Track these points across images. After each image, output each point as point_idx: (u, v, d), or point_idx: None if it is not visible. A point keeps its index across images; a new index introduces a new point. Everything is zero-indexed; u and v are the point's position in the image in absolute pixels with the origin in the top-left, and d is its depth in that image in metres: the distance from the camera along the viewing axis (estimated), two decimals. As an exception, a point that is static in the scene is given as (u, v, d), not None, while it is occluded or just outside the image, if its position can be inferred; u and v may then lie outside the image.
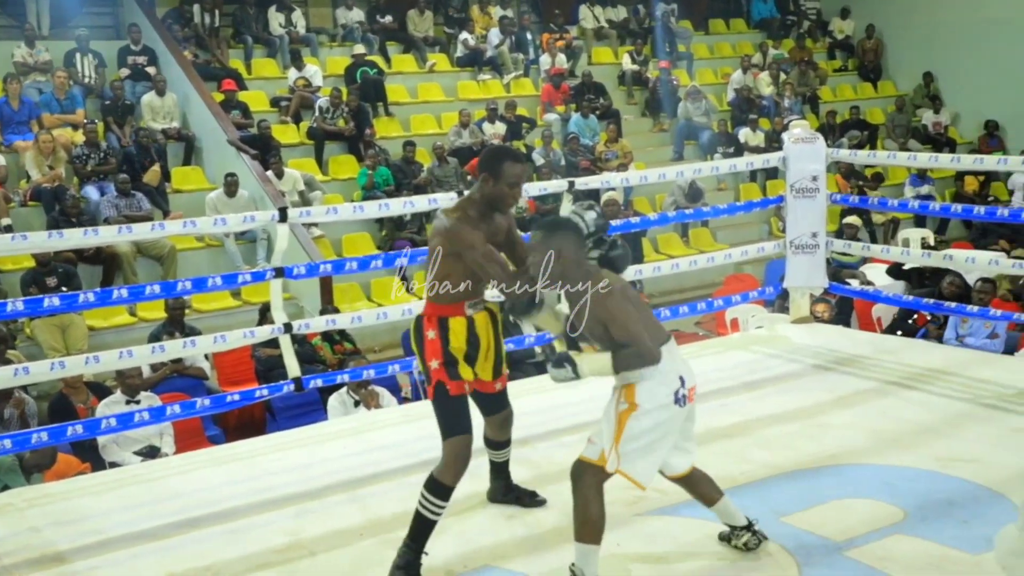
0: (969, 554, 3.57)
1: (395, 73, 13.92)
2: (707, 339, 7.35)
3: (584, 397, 5.75)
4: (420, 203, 5.78)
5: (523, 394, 5.94)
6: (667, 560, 3.64)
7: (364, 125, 12.33)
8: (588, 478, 3.36)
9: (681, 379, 3.35)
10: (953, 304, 6.89)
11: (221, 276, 5.22)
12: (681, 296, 10.60)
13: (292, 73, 13.07)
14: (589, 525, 3.33)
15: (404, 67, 14.24)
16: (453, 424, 3.59)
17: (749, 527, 3.63)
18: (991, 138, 15.60)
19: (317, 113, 12.36)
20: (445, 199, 5.68)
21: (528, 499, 4.14)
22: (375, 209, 5.90)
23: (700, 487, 3.61)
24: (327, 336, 8.17)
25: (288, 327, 5.09)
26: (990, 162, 8.27)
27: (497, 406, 3.92)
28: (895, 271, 9.39)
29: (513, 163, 3.57)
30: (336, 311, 8.10)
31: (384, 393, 6.79)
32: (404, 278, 10.94)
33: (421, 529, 3.55)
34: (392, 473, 4.70)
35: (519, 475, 4.54)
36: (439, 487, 3.54)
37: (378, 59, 13.76)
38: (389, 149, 12.27)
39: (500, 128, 13.10)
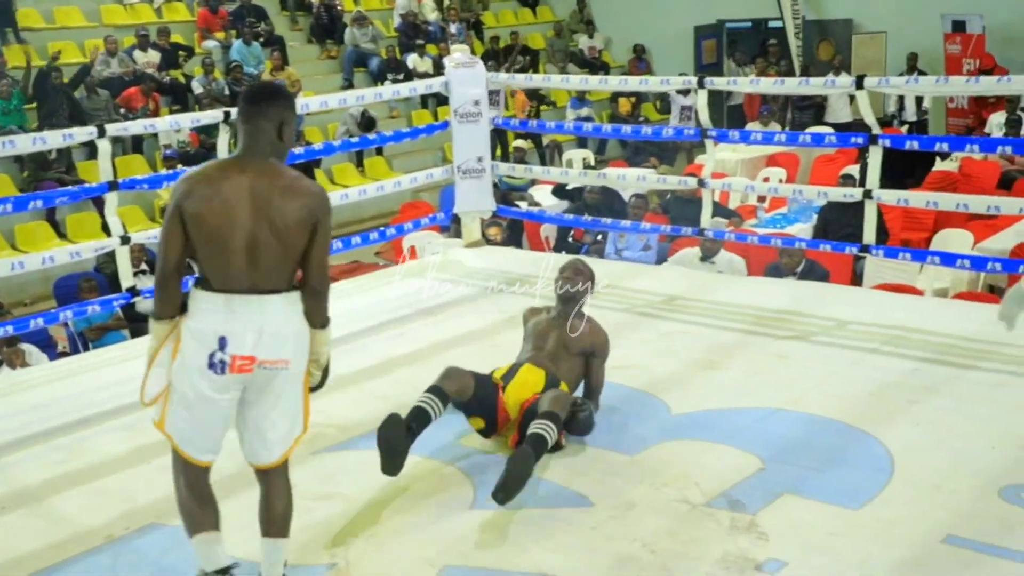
0: (628, 455, 3.80)
1: (24, -6, 12.51)
2: (387, 268, 7.30)
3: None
4: (53, 139, 5.20)
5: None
6: (348, 498, 3.57)
7: (-10, 54, 11.02)
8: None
9: (222, 340, 2.73)
10: (609, 220, 7.28)
11: None
12: (361, 226, 10.46)
13: None
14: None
15: (34, -12, 12.82)
16: None
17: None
18: (639, 61, 16.64)
19: (-71, 41, 10.89)
20: (84, 133, 5.16)
21: None
22: (-1, 147, 5.22)
23: (265, 503, 2.92)
24: (-40, 292, 7.30)
25: (-100, 285, 4.44)
26: (633, 83, 8.90)
27: None
28: (560, 191, 9.80)
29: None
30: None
31: (32, 350, 6.17)
32: (53, 222, 10.03)
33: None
34: (40, 436, 4.29)
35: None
36: None
37: (2, -21, 12.27)
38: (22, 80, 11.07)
39: (154, 56, 12.22)
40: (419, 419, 3.63)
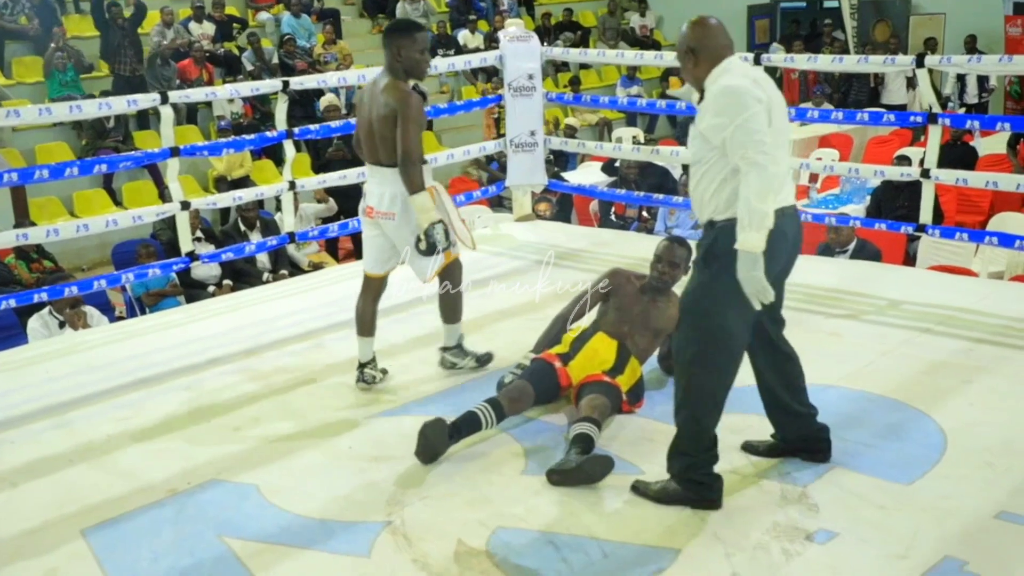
0: (670, 425, 3.82)
1: (83, -34, 12.69)
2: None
3: (311, 304, 5.64)
4: (118, 105, 5.30)
5: (249, 304, 5.76)
6: (401, 460, 3.63)
7: (51, 23, 11.18)
8: None
9: (363, 195, 4.20)
10: (661, 196, 7.26)
11: None
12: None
13: (-43, -37, 11.61)
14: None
15: (94, -40, 12.99)
16: None
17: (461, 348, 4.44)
18: (691, 40, 16.47)
19: (-7, 9, 11.10)
20: (148, 100, 5.26)
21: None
22: (66, 111, 5.31)
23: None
24: (22, 254, 7.47)
25: (-31, 245, 4.57)
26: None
27: None
28: (609, 168, 9.78)
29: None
30: (33, 225, 7.39)
31: (93, 312, 6.32)
32: (110, 190, 10.22)
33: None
34: (102, 395, 4.41)
35: (247, 388, 4.40)
36: None
37: (60, -51, 12.47)
38: (84, 50, 11.25)
39: (209, 28, 12.35)
40: (469, 424, 3.67)
